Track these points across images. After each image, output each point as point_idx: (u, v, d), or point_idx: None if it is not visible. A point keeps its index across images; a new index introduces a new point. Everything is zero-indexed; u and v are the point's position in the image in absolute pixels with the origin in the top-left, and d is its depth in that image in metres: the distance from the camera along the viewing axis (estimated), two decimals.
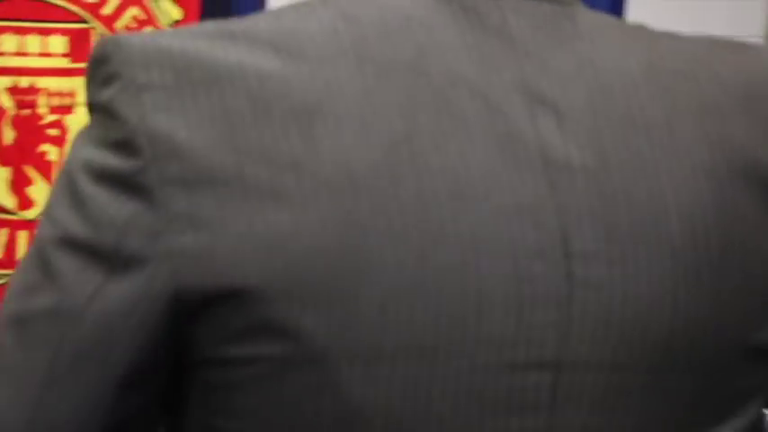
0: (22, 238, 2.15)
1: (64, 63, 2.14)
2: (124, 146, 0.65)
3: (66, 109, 2.16)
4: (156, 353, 0.66)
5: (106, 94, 0.66)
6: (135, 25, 2.18)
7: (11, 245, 2.14)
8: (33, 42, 2.12)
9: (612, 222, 0.67)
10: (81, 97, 2.16)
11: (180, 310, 0.65)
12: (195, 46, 0.67)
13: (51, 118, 2.15)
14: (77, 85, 2.15)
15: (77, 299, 0.66)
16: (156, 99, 0.65)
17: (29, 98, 2.13)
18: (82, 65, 2.15)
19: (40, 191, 2.15)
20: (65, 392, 0.66)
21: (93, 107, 0.69)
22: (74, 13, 2.14)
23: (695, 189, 0.69)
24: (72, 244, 0.66)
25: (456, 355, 0.64)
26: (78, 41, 2.15)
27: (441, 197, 0.65)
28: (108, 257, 0.65)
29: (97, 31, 2.16)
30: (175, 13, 2.19)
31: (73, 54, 2.15)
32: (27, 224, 2.15)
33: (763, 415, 0.75)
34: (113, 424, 0.67)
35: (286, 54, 0.67)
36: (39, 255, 0.68)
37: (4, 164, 2.13)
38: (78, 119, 2.17)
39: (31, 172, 2.14)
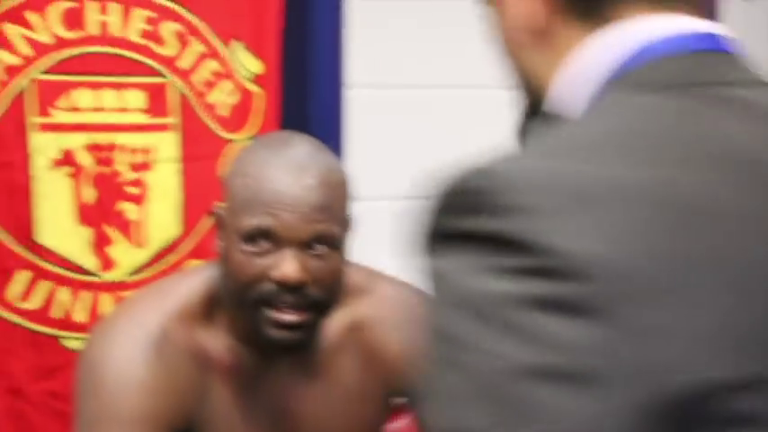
0: (105, 300, 2.07)
1: (142, 119, 2.09)
2: (550, 272, 0.66)
3: (145, 166, 2.09)
4: None
5: (498, 224, 0.67)
6: (213, 79, 2.14)
7: (94, 307, 2.06)
8: (110, 97, 2.06)
9: None
10: (161, 154, 2.10)
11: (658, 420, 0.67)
12: (563, 166, 0.69)
13: (131, 176, 2.08)
14: (155, 141, 2.10)
15: (562, 425, 0.67)
16: (560, 221, 0.67)
17: (107, 155, 2.06)
18: (160, 120, 2.10)
19: (121, 251, 2.08)
20: None
21: (469, 236, 0.69)
22: (150, 67, 2.09)
23: None
24: (537, 372, 0.66)
25: None
26: (155, 96, 2.09)
27: None
28: (579, 379, 0.66)
29: (175, 85, 2.11)
30: (255, 66, 2.16)
31: (150, 109, 2.09)
32: (109, 286, 2.07)
33: None
34: None
35: (645, 158, 0.70)
36: (483, 392, 0.68)
37: (85, 224, 2.05)
38: (158, 176, 2.11)
39: (111, 232, 2.07)
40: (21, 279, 2.00)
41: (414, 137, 2.70)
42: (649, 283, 0.66)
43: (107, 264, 2.07)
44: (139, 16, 2.07)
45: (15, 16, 1.97)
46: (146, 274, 2.10)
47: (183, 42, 2.10)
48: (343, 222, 1.45)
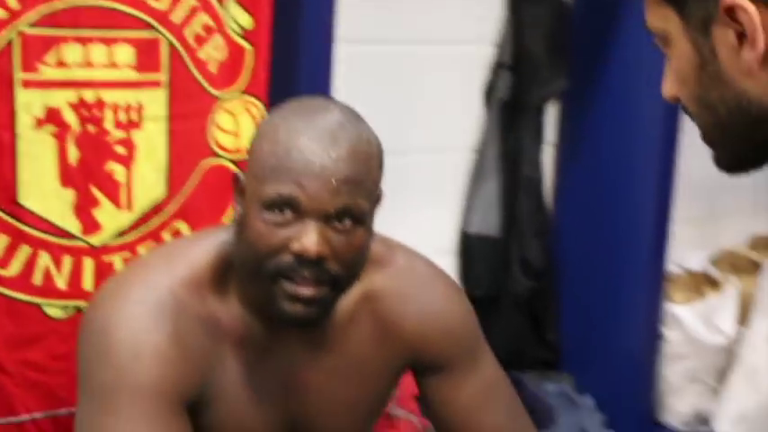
0: (88, 265, 1.98)
1: (131, 75, 1.98)
2: None
3: (133, 124, 1.99)
4: None
5: None
6: (204, 34, 2.04)
7: (76, 273, 1.97)
8: (98, 52, 1.94)
9: None
10: (148, 112, 2.00)
11: None
12: None
13: (118, 135, 1.98)
14: (145, 98, 2.00)
15: None
16: None
17: (94, 113, 1.95)
18: (149, 76, 2.00)
19: (106, 214, 1.99)
20: None
21: None
22: (141, 21, 1.97)
23: None
24: None
25: None
26: (145, 51, 1.98)
27: None
28: None
29: (166, 40, 2.00)
30: (245, 20, 2.06)
31: (140, 65, 1.98)
32: (92, 251, 1.98)
33: None
34: None
35: None
36: None
37: (68, 185, 1.95)
38: (146, 135, 2.01)
39: (97, 193, 1.97)
40: (1, 244, 1.89)
41: (403, 94, 2.66)
42: None
43: (91, 227, 1.98)
44: None
45: None
46: (129, 238, 2.02)
47: None
48: (372, 197, 1.40)
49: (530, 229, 3.03)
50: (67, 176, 1.93)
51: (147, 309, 1.39)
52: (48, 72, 1.88)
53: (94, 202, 1.96)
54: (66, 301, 1.96)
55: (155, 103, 1.99)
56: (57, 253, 1.94)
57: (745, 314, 3.14)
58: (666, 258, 3.01)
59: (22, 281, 1.92)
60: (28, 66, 1.86)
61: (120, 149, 1.97)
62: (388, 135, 2.56)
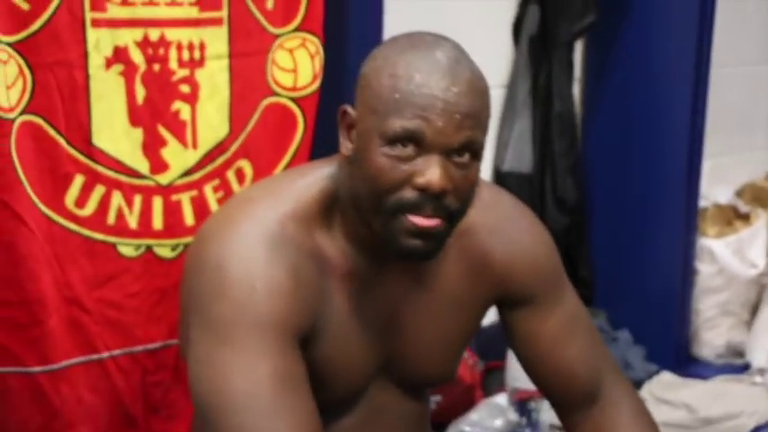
0: (157, 204, 1.99)
1: (193, 13, 1.97)
2: None
3: (197, 63, 1.99)
4: None
5: None
6: None
7: (146, 213, 1.98)
8: None
9: None
10: (210, 50, 2.00)
11: None
12: None
13: (182, 73, 1.98)
14: (206, 36, 2.00)
15: None
16: None
17: (159, 52, 1.95)
18: (211, 14, 2.00)
19: (172, 153, 1.99)
20: None
21: None
22: None
23: None
24: None
25: None
26: None
27: None
28: None
29: None
30: None
31: (201, 3, 1.98)
32: (161, 190, 1.99)
33: None
34: None
35: None
36: None
37: (137, 125, 1.95)
38: (209, 74, 2.01)
39: (163, 132, 1.97)
40: (77, 184, 1.89)
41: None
42: None
43: (159, 166, 1.98)
44: None
45: None
46: (195, 176, 2.02)
47: None
48: (486, 131, 1.41)
49: (563, 165, 3.05)
50: (136, 116, 1.93)
51: (261, 242, 1.40)
52: (114, 10, 1.87)
53: (162, 142, 1.97)
54: (138, 240, 1.97)
55: (216, 42, 1.99)
56: (128, 192, 1.94)
57: None
58: (698, 192, 3.04)
59: (98, 220, 1.93)
60: (96, 4, 1.85)
61: (185, 88, 1.97)
62: None
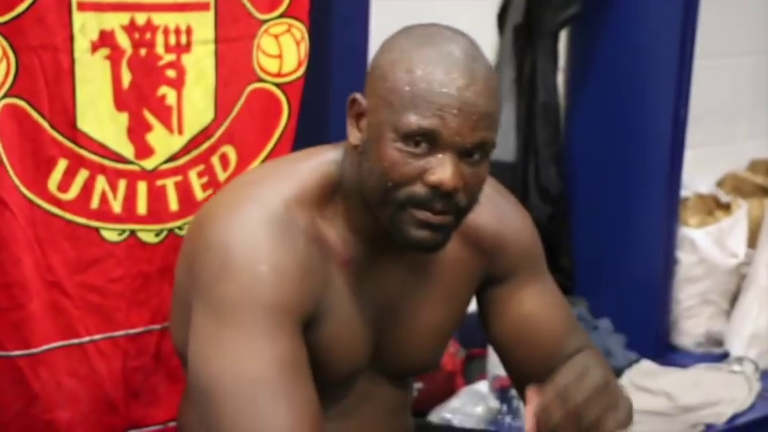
0: (141, 189, 1.98)
1: None
2: None
3: (183, 48, 1.98)
4: None
5: None
6: None
7: (130, 197, 1.97)
8: None
9: None
10: (197, 35, 1.99)
11: None
12: None
13: (169, 58, 1.97)
14: (193, 21, 1.99)
15: None
16: None
17: (146, 36, 1.94)
18: None
19: (158, 137, 1.98)
20: None
21: None
22: None
23: None
24: None
25: None
26: None
27: None
28: None
29: None
30: None
31: None
32: (146, 175, 1.98)
33: None
34: None
35: None
36: None
37: (122, 109, 1.94)
38: (195, 59, 2.00)
39: (149, 117, 1.96)
40: (61, 168, 1.89)
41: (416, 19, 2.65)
42: None
43: (144, 151, 1.97)
44: None
45: None
46: (180, 162, 2.01)
47: None
48: (497, 129, 1.42)
49: (546, 154, 3.06)
50: (121, 100, 1.92)
51: (267, 224, 1.40)
52: None
53: (147, 127, 1.96)
54: (122, 225, 1.96)
55: (203, 27, 1.98)
56: (112, 177, 1.93)
57: (753, 236, 3.20)
58: (680, 182, 3.05)
59: (81, 204, 1.91)
60: None
61: (171, 73, 1.97)
62: None
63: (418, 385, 2.57)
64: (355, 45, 2.20)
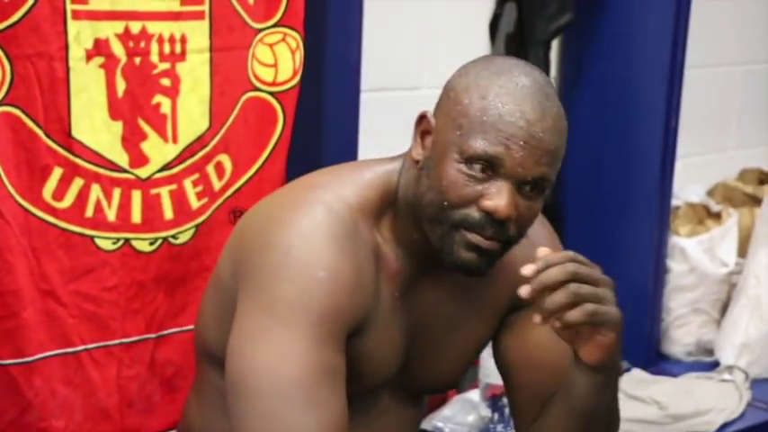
0: (136, 198, 1.98)
1: (175, 6, 1.97)
2: None
3: (178, 57, 1.99)
4: None
5: None
6: None
7: (125, 206, 1.97)
8: None
9: None
10: (192, 44, 2.00)
11: None
12: None
13: (163, 67, 1.97)
14: (188, 30, 1.99)
15: None
16: None
17: (141, 45, 1.94)
18: (193, 8, 1.99)
19: (152, 146, 1.99)
20: None
21: None
22: None
23: None
24: None
25: None
26: None
27: None
28: None
29: None
30: None
31: None
32: (140, 183, 1.98)
33: None
34: None
35: None
36: None
37: (117, 118, 1.94)
38: (190, 67, 2.00)
39: (144, 125, 1.97)
40: (56, 177, 1.88)
41: (410, 29, 2.66)
42: None
43: (139, 159, 1.97)
44: None
45: None
46: (175, 170, 2.02)
47: None
48: (558, 168, 1.44)
49: None
50: (116, 109, 1.92)
51: (331, 230, 1.41)
52: (96, 2, 1.86)
53: (142, 135, 1.96)
54: (117, 234, 1.96)
55: (198, 35, 1.99)
56: (107, 185, 1.93)
57: (743, 246, 3.20)
58: (671, 191, 3.06)
59: (75, 213, 1.91)
60: None
61: (166, 81, 1.97)
62: (397, 71, 2.60)
63: None
64: (350, 54, 2.20)
